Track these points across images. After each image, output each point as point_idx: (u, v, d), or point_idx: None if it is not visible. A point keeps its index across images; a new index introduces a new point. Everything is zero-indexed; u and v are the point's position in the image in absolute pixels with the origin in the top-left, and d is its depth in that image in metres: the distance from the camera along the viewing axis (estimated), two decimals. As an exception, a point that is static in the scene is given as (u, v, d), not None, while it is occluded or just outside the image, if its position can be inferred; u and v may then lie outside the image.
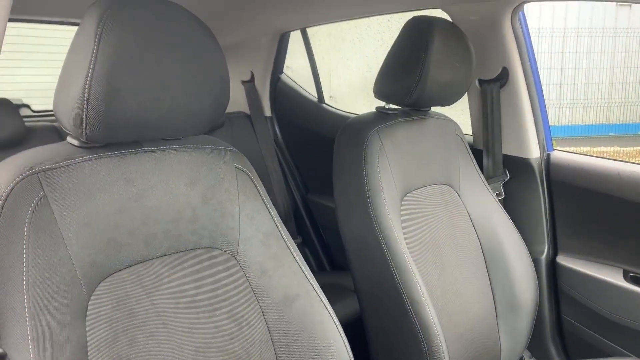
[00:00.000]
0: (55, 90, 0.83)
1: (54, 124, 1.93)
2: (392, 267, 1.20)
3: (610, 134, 9.37)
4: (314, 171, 2.43)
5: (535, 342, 1.54)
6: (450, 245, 1.41)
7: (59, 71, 0.83)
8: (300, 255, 1.02)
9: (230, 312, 0.93)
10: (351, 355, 0.98)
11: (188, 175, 0.93)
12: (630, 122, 9.58)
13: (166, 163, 0.91)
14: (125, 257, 0.84)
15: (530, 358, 1.70)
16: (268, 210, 1.01)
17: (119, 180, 0.85)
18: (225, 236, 0.95)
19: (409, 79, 1.32)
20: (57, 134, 1.89)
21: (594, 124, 9.48)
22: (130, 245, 0.85)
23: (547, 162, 1.68)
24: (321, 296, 1.00)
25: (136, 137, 0.87)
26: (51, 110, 0.87)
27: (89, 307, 0.79)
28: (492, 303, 1.44)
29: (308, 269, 1.01)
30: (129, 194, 0.86)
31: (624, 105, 9.43)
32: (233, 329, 0.92)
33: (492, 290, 1.45)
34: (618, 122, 9.48)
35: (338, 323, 0.99)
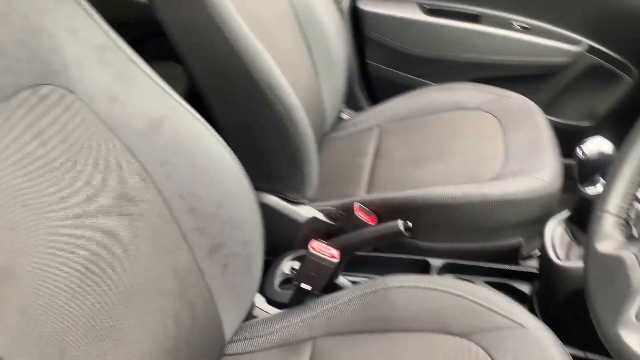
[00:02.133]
0: None
1: None
2: (239, 52, 1.02)
3: None
4: None
5: (346, 94, 1.59)
6: (273, 12, 1.26)
7: None
8: (150, 68, 0.79)
9: (95, 162, 0.70)
10: (236, 159, 0.86)
11: None
12: None
13: None
14: None
15: (345, 109, 1.78)
16: (88, 14, 0.72)
17: None
18: (47, 64, 0.66)
19: None
20: None
21: None
22: None
23: None
24: (189, 109, 0.81)
25: None
26: None
27: None
28: (312, 66, 1.39)
29: (164, 82, 0.80)
30: None
31: None
32: (105, 180, 0.71)
33: (310, 52, 1.39)
34: None
35: (215, 132, 0.84)
